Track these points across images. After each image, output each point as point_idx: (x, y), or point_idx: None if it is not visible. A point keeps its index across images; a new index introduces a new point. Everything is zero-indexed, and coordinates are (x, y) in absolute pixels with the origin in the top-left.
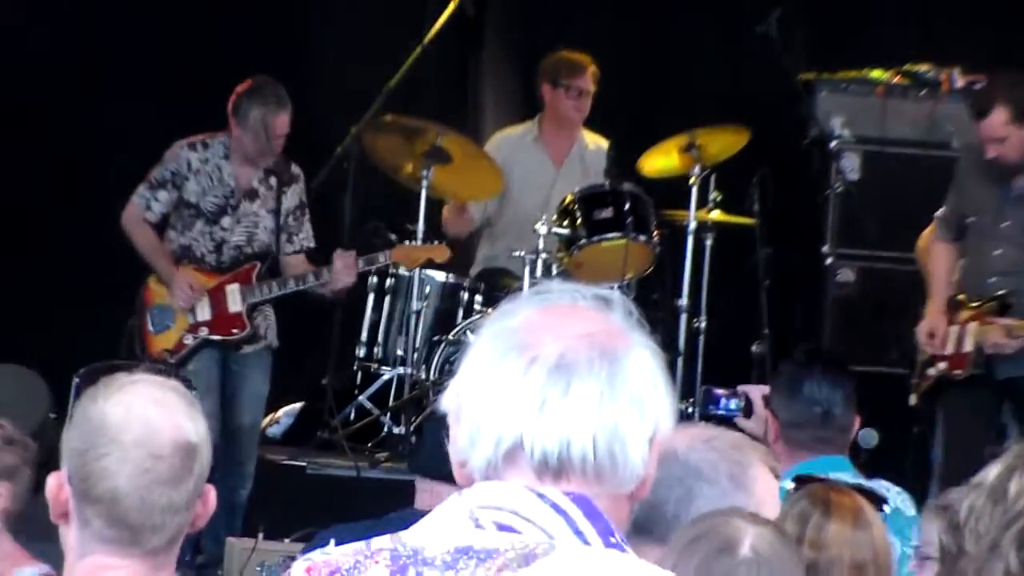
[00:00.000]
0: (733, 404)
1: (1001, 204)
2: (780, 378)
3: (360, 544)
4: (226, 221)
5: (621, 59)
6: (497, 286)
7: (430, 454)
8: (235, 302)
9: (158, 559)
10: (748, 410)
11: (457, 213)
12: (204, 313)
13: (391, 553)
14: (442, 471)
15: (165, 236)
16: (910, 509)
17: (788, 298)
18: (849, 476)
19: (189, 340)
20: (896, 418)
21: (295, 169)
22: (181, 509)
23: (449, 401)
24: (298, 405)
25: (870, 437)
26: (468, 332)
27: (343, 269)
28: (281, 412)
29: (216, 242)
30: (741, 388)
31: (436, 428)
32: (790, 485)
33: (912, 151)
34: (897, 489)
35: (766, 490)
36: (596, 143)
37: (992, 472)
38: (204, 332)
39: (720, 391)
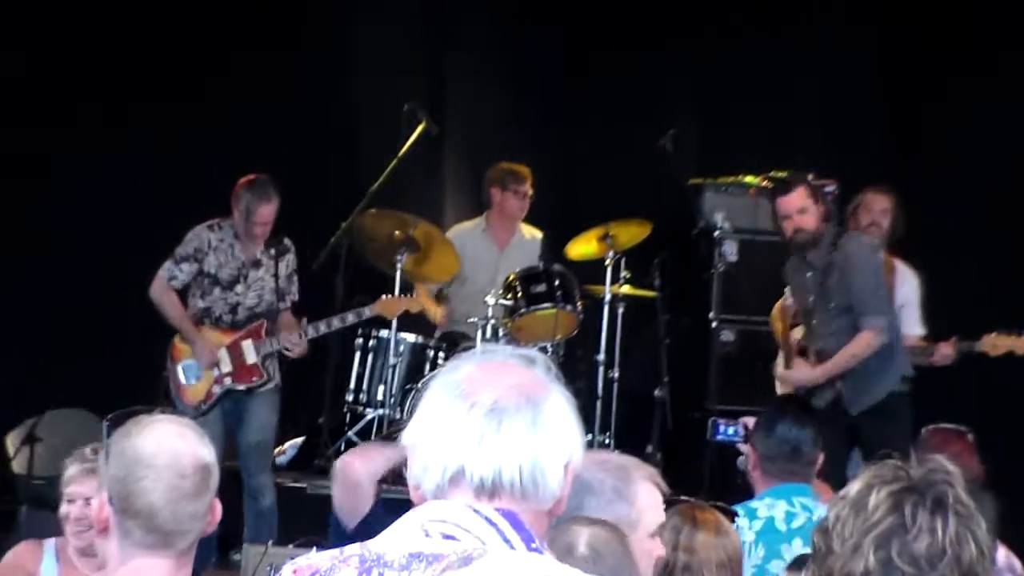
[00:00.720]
0: (732, 431)
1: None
2: (760, 418)
3: (335, 551)
4: (239, 288)
5: (550, 167)
6: (456, 345)
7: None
8: (251, 355)
9: (183, 558)
10: (747, 437)
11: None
12: (226, 366)
13: (359, 557)
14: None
15: (188, 302)
16: None
17: (682, 354)
18: (810, 501)
19: (217, 390)
20: None
21: (287, 242)
22: (201, 517)
23: (407, 437)
24: (300, 439)
25: (746, 462)
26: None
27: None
28: (287, 445)
29: (231, 305)
30: (742, 420)
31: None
32: (757, 503)
33: (777, 239)
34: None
35: (648, 501)
36: (532, 233)
37: (854, 487)
38: (228, 382)
39: (723, 422)
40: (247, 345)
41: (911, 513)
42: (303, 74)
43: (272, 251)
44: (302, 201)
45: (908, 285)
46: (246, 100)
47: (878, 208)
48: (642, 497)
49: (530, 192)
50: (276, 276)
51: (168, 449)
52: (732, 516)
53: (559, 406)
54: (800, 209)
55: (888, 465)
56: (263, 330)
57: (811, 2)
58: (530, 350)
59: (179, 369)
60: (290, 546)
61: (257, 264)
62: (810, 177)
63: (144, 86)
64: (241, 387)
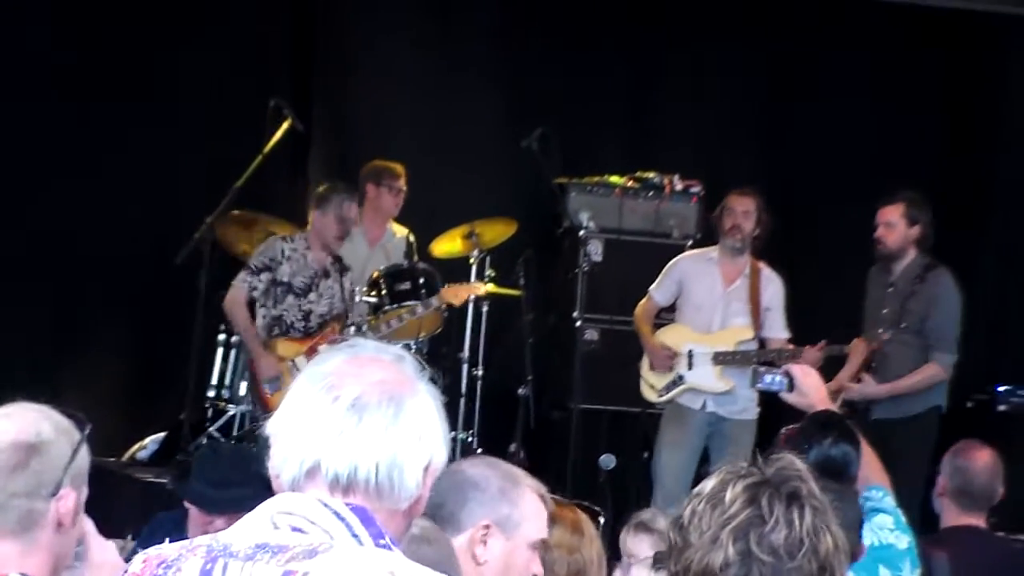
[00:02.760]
0: (778, 380)
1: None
2: (800, 435)
3: (185, 541)
4: (312, 295)
5: (415, 165)
6: None
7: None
8: None
9: (20, 541)
10: (791, 386)
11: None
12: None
13: (207, 548)
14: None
15: (256, 311)
16: (902, 543)
17: (546, 352)
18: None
19: None
20: (631, 445)
21: (346, 262)
22: (20, 496)
23: (271, 426)
24: (162, 434)
25: (610, 460)
26: None
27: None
28: (148, 440)
29: (305, 312)
30: (786, 367)
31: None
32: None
33: (642, 239)
34: (891, 526)
35: (532, 509)
36: (400, 232)
37: (709, 483)
38: None
39: (764, 369)
40: (324, 349)
41: (767, 506)
42: (165, 66)
43: (336, 265)
44: (164, 197)
45: (772, 288)
46: (107, 94)
47: (740, 210)
48: (527, 503)
49: (404, 189)
50: (342, 288)
51: None
52: (596, 516)
53: (424, 406)
54: (887, 223)
55: (740, 463)
56: (336, 335)
57: (682, 4)
58: (400, 348)
59: (263, 382)
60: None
61: (327, 274)
62: (676, 178)
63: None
64: None
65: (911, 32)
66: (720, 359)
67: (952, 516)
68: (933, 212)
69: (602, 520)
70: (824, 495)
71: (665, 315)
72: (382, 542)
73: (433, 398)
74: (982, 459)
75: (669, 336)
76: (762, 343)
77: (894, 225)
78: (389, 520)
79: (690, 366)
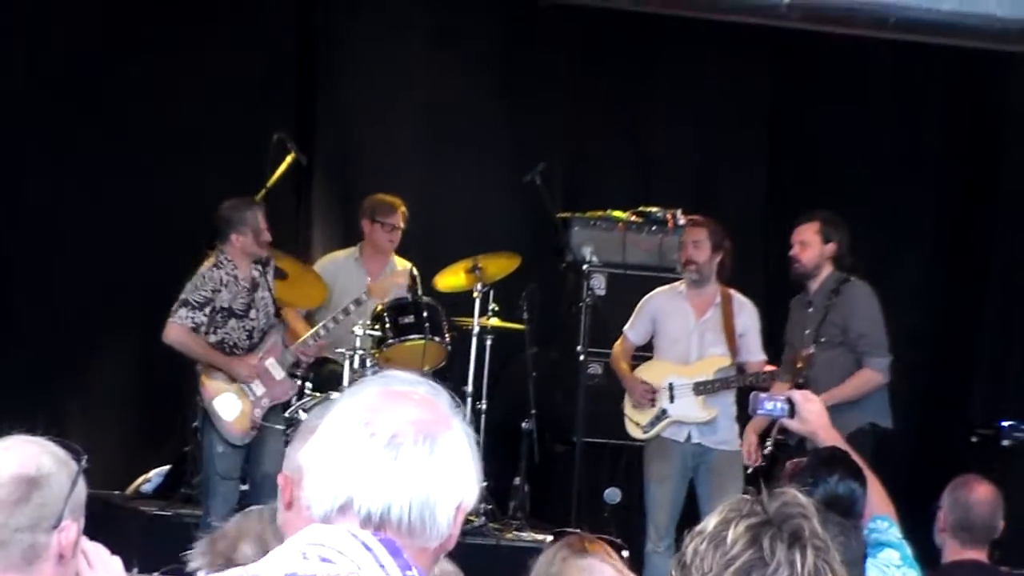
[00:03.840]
0: (779, 406)
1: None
2: (805, 472)
3: (218, 574)
4: (252, 313)
5: (419, 198)
6: (323, 375)
7: None
8: (277, 372)
9: (24, 575)
10: (792, 412)
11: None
12: (259, 389)
13: None
14: None
15: None
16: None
17: (550, 386)
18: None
19: (258, 413)
20: (635, 480)
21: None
22: (23, 530)
23: (304, 456)
24: (166, 468)
25: (615, 495)
26: (301, 411)
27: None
28: (152, 473)
29: (248, 331)
30: (786, 393)
31: None
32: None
33: (646, 273)
34: (897, 562)
35: None
36: (403, 265)
37: (711, 521)
38: (266, 402)
39: (765, 396)
40: (271, 363)
41: (769, 547)
42: (170, 98)
43: (259, 268)
44: (169, 227)
45: (745, 313)
46: (110, 124)
47: (690, 241)
48: None
49: (400, 225)
50: (270, 290)
51: None
52: (619, 550)
53: (458, 444)
54: (802, 242)
55: (743, 499)
56: (278, 345)
57: (686, 39)
58: (434, 382)
59: (214, 406)
60: (155, 574)
61: (256, 285)
62: (678, 212)
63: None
64: (281, 404)
65: (915, 67)
66: (701, 389)
67: (954, 551)
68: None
69: (625, 554)
70: (826, 531)
71: (645, 352)
72: (409, 573)
73: (466, 435)
74: (981, 493)
75: (648, 372)
76: (740, 369)
77: (808, 243)
78: (417, 556)
79: (672, 399)
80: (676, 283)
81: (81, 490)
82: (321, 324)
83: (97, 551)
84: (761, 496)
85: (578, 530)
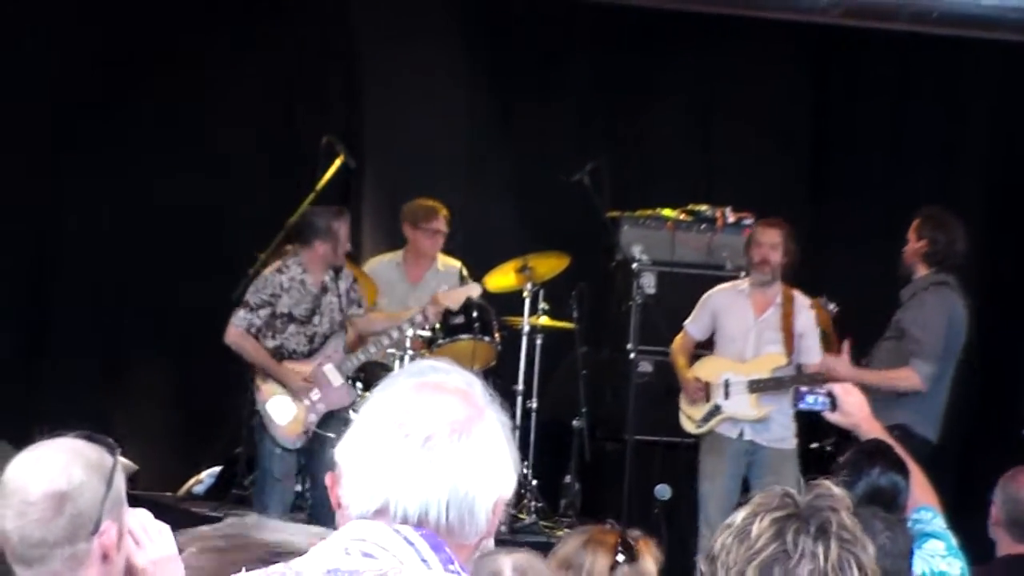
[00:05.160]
0: (820, 400)
1: None
2: (848, 465)
3: (263, 569)
4: (316, 319)
5: (469, 199)
6: (375, 376)
7: None
8: (336, 378)
9: None
10: (834, 405)
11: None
12: (315, 394)
13: (280, 574)
14: None
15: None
16: (955, 569)
17: (600, 384)
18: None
19: (312, 418)
20: (685, 477)
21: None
22: (59, 544)
23: (340, 454)
24: (217, 468)
25: (665, 491)
26: (351, 411)
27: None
28: (204, 474)
29: (309, 337)
30: (828, 386)
31: None
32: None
33: (695, 272)
34: (943, 552)
35: None
36: (447, 264)
37: (739, 516)
38: (322, 407)
39: (805, 389)
40: (329, 368)
41: (793, 540)
42: (218, 103)
43: (331, 272)
44: (220, 232)
45: (806, 315)
46: (155, 134)
47: (768, 243)
48: None
49: (443, 228)
50: (339, 296)
51: (20, 475)
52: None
53: (494, 438)
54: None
55: (774, 493)
56: (339, 351)
57: (733, 37)
58: (468, 372)
59: (267, 409)
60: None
61: (325, 290)
62: (728, 210)
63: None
64: (335, 410)
65: (960, 63)
66: (755, 387)
67: (1006, 545)
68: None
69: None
70: (868, 525)
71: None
72: (452, 567)
73: (502, 426)
74: None
75: (705, 368)
76: (798, 369)
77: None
78: (457, 552)
79: (727, 395)
80: (738, 280)
81: (118, 487)
82: (385, 332)
83: (143, 525)
84: (793, 490)
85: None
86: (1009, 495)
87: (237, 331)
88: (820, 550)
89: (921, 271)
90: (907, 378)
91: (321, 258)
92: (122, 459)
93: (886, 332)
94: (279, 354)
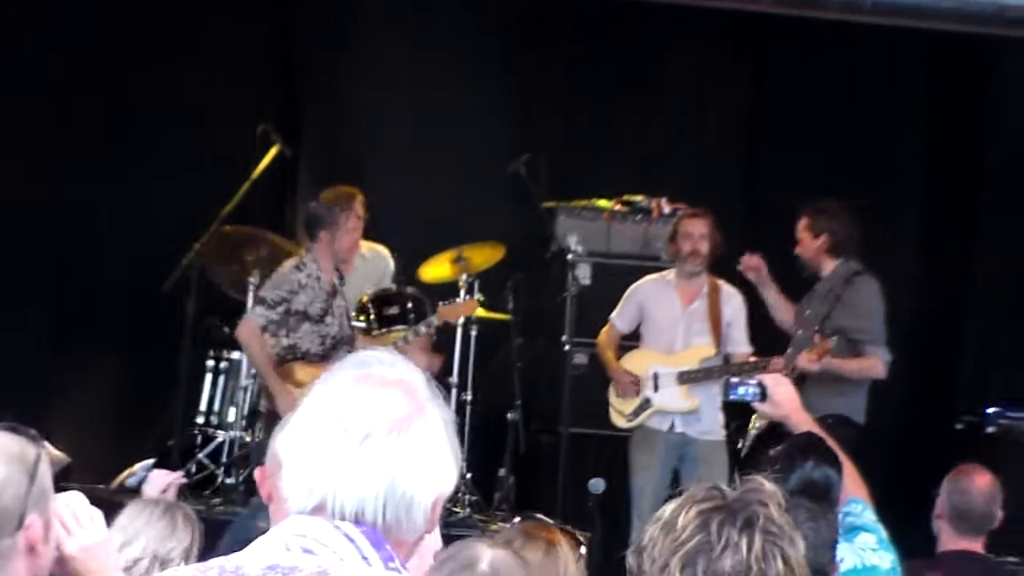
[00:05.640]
0: (751, 391)
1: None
2: (779, 459)
3: (200, 564)
4: (328, 319)
5: (404, 189)
6: None
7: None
8: None
9: None
10: (764, 395)
11: None
12: None
13: (219, 569)
14: None
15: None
16: (885, 562)
17: (535, 376)
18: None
19: None
20: (620, 470)
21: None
22: None
23: (281, 446)
24: (150, 461)
25: (599, 484)
26: None
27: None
28: (136, 467)
29: (322, 336)
30: (758, 377)
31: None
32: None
33: (631, 263)
34: (874, 545)
35: None
36: (371, 248)
37: (668, 508)
38: None
39: (736, 380)
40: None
41: (717, 531)
42: (153, 91)
43: (337, 275)
44: (152, 224)
45: (733, 304)
46: (91, 122)
47: (696, 233)
48: None
49: (362, 213)
50: (346, 301)
51: None
52: (578, 542)
53: (434, 435)
54: (798, 239)
55: (704, 487)
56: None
57: (669, 27)
58: (410, 366)
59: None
60: None
61: (335, 292)
62: (663, 201)
63: None
64: None
65: (893, 52)
66: (685, 378)
67: (949, 539)
68: (922, 234)
69: (583, 550)
70: (795, 517)
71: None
72: (392, 565)
73: (444, 422)
74: (981, 483)
75: (633, 361)
76: (726, 359)
77: (801, 239)
78: (396, 547)
79: (656, 388)
80: (665, 272)
81: (43, 478)
82: (393, 343)
83: (74, 512)
84: (722, 484)
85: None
86: (957, 489)
87: (253, 326)
88: (744, 542)
89: (829, 265)
90: (875, 367)
91: (328, 250)
92: (53, 450)
93: (822, 329)
94: (293, 353)
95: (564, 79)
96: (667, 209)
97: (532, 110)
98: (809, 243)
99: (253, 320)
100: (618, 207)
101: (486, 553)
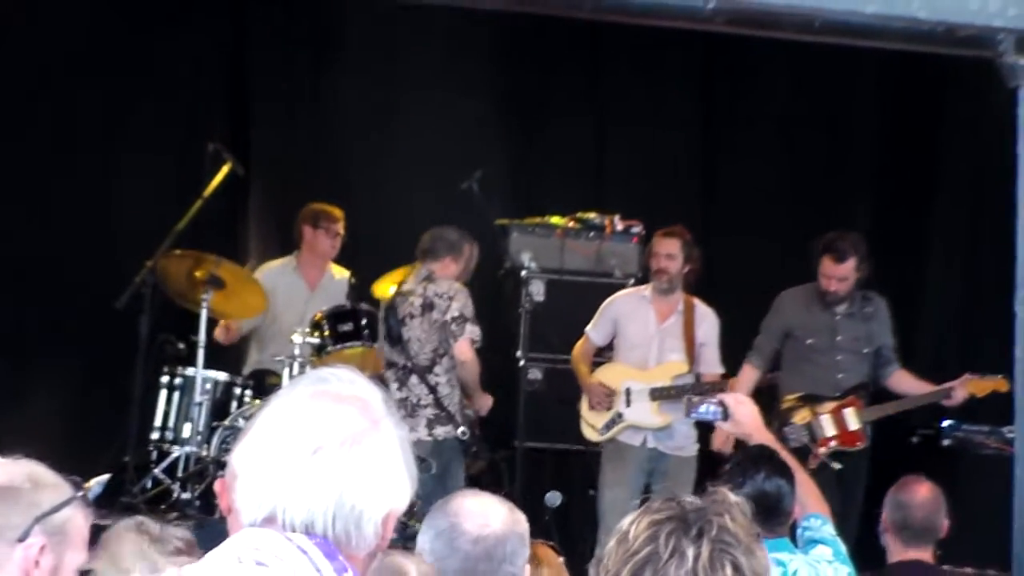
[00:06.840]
0: (712, 410)
1: (834, 324)
2: (732, 471)
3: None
4: None
5: (355, 207)
6: (263, 383)
7: None
8: None
9: None
10: (726, 415)
11: (225, 330)
12: None
13: None
14: None
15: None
16: (841, 575)
17: (490, 391)
18: (785, 555)
19: None
20: (577, 482)
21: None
22: None
23: (236, 458)
24: (106, 476)
25: (555, 498)
26: (240, 419)
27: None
28: (92, 482)
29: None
30: (719, 396)
31: None
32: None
33: (583, 279)
34: (829, 558)
35: None
36: (340, 273)
37: (626, 520)
38: None
39: (698, 400)
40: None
41: (665, 541)
42: (105, 109)
43: None
44: (105, 241)
45: (707, 324)
46: (45, 137)
47: (663, 252)
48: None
49: (341, 232)
50: None
51: None
52: (558, 554)
53: (387, 451)
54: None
55: (660, 498)
56: None
57: (623, 45)
58: (367, 383)
59: None
60: None
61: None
62: (616, 218)
63: None
64: None
65: (847, 72)
66: (657, 394)
67: (897, 551)
68: (871, 251)
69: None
70: (746, 530)
71: (606, 354)
72: (345, 575)
73: (398, 440)
74: (921, 493)
75: (606, 375)
76: (698, 378)
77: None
78: (349, 560)
79: (628, 403)
80: (642, 287)
81: (66, 519)
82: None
83: None
84: (681, 494)
85: None
86: (898, 502)
87: (471, 345)
88: (691, 551)
89: (850, 291)
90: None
91: (451, 273)
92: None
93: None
94: None
95: (516, 96)
96: (620, 226)
97: (485, 127)
98: (854, 279)
99: (474, 340)
100: (571, 224)
101: (413, 569)
